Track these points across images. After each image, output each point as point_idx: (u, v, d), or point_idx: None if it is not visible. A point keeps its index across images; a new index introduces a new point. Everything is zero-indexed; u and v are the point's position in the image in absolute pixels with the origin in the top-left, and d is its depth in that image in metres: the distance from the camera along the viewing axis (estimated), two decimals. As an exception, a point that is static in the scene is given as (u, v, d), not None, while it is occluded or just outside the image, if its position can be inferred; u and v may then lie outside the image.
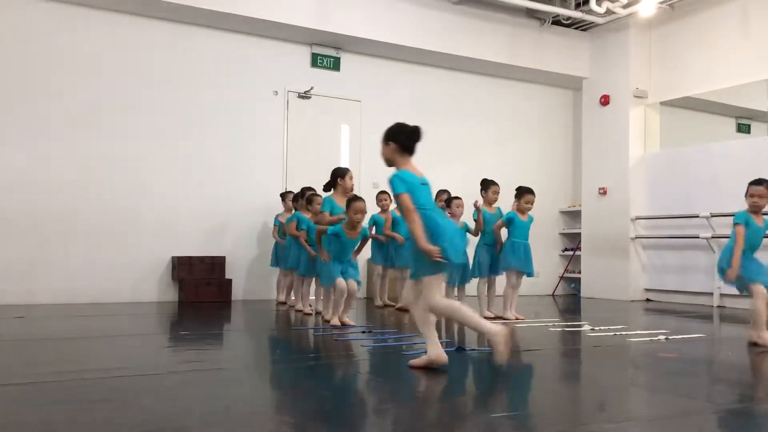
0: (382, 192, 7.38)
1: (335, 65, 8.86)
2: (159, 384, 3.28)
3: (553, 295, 10.28)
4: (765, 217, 4.88)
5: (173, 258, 7.74)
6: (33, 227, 7.16)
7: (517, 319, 6.34)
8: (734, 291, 4.97)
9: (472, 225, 6.83)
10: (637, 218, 9.40)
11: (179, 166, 7.90)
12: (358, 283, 5.72)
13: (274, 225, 7.80)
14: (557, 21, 9.70)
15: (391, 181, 3.70)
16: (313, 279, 6.61)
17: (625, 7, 8.98)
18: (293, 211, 7.18)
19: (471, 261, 6.83)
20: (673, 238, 8.94)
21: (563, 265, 10.47)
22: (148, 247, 7.68)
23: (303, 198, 6.87)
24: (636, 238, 9.39)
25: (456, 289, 6.92)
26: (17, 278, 7.04)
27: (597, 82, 10.02)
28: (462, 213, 6.84)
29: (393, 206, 7.14)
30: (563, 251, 10.53)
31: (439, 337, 3.84)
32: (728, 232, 4.88)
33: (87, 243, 7.38)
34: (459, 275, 6.81)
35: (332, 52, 8.83)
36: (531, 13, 9.61)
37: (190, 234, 7.90)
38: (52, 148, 7.31)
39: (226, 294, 7.74)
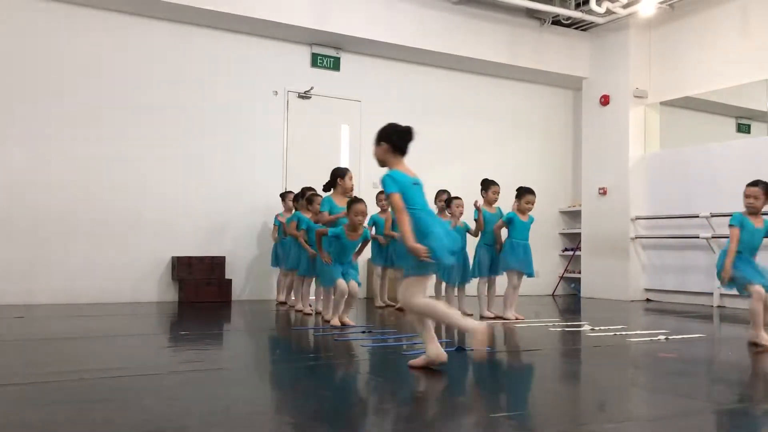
0: (382, 192, 7.36)
1: (335, 65, 8.86)
2: (159, 384, 3.28)
3: (553, 295, 10.28)
4: (765, 217, 4.88)
5: (173, 258, 7.74)
6: (33, 227, 7.16)
7: (516, 319, 6.34)
8: (734, 291, 4.97)
9: (472, 225, 6.84)
10: (637, 218, 9.40)
11: (179, 166, 7.90)
12: (359, 284, 5.72)
13: (274, 225, 7.81)
14: (557, 21, 9.70)
15: (383, 181, 3.72)
16: (313, 279, 6.61)
17: (625, 7, 8.98)
18: (293, 211, 7.18)
19: (471, 261, 6.85)
20: (673, 238, 8.94)
21: (563, 265, 10.47)
22: (148, 247, 7.68)
23: (303, 198, 6.87)
24: (636, 238, 9.39)
25: (456, 289, 6.93)
26: (17, 278, 7.04)
27: (597, 82, 10.02)
28: (462, 213, 6.84)
29: (393, 206, 7.13)
30: (563, 251, 10.53)
31: (439, 337, 3.84)
32: (728, 232, 4.88)
33: (87, 243, 7.38)
34: (459, 275, 6.83)
35: (332, 52, 8.83)
36: (531, 13, 9.61)
37: (190, 234, 7.90)
38: (52, 148, 7.31)
39: (226, 294, 7.74)
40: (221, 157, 8.13)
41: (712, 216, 8.21)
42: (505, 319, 6.33)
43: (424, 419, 2.83)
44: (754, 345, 4.68)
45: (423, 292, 3.75)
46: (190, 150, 7.96)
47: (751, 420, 2.89)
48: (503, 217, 6.59)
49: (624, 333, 5.43)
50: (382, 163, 3.86)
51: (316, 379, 3.53)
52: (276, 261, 7.70)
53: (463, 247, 6.85)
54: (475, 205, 6.69)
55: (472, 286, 6.93)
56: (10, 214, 7.07)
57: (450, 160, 9.42)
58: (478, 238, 6.79)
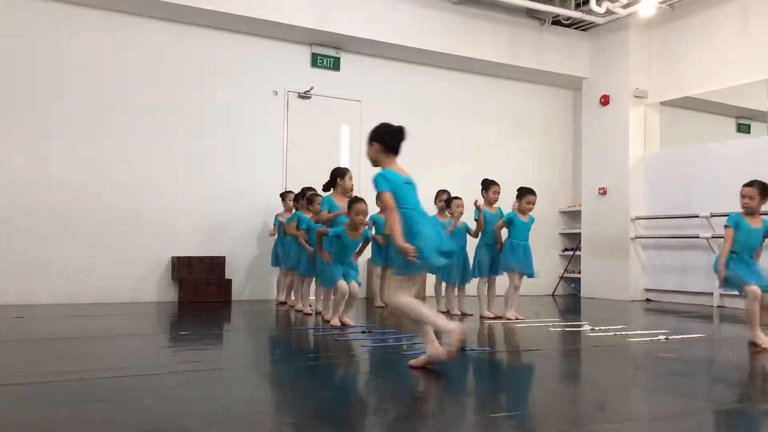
0: (382, 192, 7.37)
1: (335, 65, 8.86)
2: (159, 384, 3.28)
3: (553, 295, 10.28)
4: (765, 218, 4.88)
5: (173, 258, 7.74)
6: (33, 227, 7.16)
7: (516, 319, 6.34)
8: (734, 291, 4.97)
9: (472, 225, 6.84)
10: (637, 218, 9.40)
11: (179, 166, 7.90)
12: (359, 284, 5.72)
13: (274, 225, 7.81)
14: (557, 21, 9.70)
15: (375, 180, 3.74)
16: (313, 279, 6.61)
17: (625, 7, 8.98)
18: (293, 211, 7.18)
19: (471, 261, 6.85)
20: (673, 238, 8.94)
21: (563, 265, 10.47)
22: (148, 247, 7.68)
23: (303, 198, 6.87)
24: (636, 238, 9.39)
25: (456, 289, 6.93)
26: (17, 278, 7.04)
27: (597, 82, 10.02)
28: (462, 213, 6.84)
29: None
30: (563, 251, 10.53)
31: (439, 338, 3.84)
32: (727, 232, 4.89)
33: (87, 243, 7.38)
34: (459, 275, 6.83)
35: (332, 52, 8.83)
36: (531, 13, 9.61)
37: (190, 234, 7.90)
38: (52, 148, 7.31)
39: (226, 294, 7.74)
40: (221, 157, 8.13)
41: (712, 216, 8.21)
42: (507, 318, 6.33)
43: (424, 419, 2.82)
44: (753, 345, 4.68)
45: (409, 292, 3.75)
46: (190, 150, 7.96)
47: (751, 420, 2.89)
48: (504, 217, 6.58)
49: (624, 333, 5.43)
50: (375, 163, 3.89)
51: (316, 379, 3.53)
52: (276, 261, 7.70)
53: (463, 247, 6.87)
54: (476, 204, 6.69)
55: (472, 286, 6.93)
56: (10, 214, 7.07)
57: (450, 160, 9.42)
58: (478, 239, 6.79)
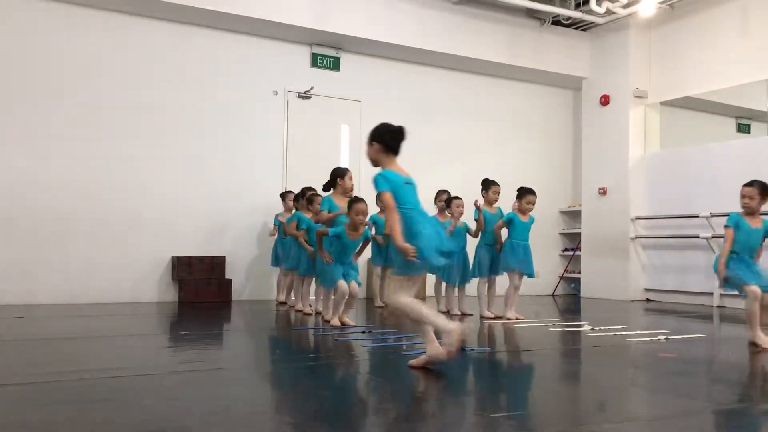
0: (382, 192, 7.37)
1: (335, 65, 8.86)
2: (159, 384, 3.28)
3: (553, 295, 10.28)
4: (765, 218, 4.88)
5: (173, 258, 7.74)
6: (33, 227, 7.16)
7: (517, 319, 6.34)
8: (734, 291, 4.97)
9: (472, 225, 6.83)
10: (637, 218, 9.40)
11: (179, 166, 7.90)
12: (359, 284, 5.72)
13: (274, 225, 7.81)
14: (557, 21, 9.70)
15: (375, 180, 3.74)
16: (313, 279, 6.61)
17: (625, 7, 8.98)
18: (293, 211, 7.18)
19: (471, 261, 6.85)
20: (673, 238, 8.94)
21: (563, 265, 10.47)
22: (148, 247, 7.68)
23: (303, 198, 6.87)
24: (636, 238, 9.39)
25: (456, 289, 6.93)
26: (17, 278, 7.04)
27: (597, 82, 10.02)
28: (462, 213, 6.84)
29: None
30: (563, 251, 10.53)
31: (439, 338, 3.84)
32: (727, 232, 4.89)
33: (87, 243, 7.38)
34: (459, 275, 6.83)
35: (332, 52, 8.83)
36: (531, 13, 9.61)
37: (190, 234, 7.90)
38: (52, 148, 7.31)
39: (226, 294, 7.74)
40: (221, 157, 8.13)
41: (712, 216, 8.21)
42: (507, 318, 6.33)
43: (424, 419, 2.82)
44: (754, 345, 4.68)
45: (409, 292, 3.75)
46: (190, 150, 7.96)
47: (751, 420, 2.89)
48: (504, 217, 6.58)
49: (624, 333, 5.43)
50: (375, 163, 3.90)
51: (316, 379, 3.53)
52: (276, 261, 7.70)
53: (463, 247, 6.87)
54: (476, 204, 6.69)
55: (472, 286, 6.93)
56: (10, 214, 7.07)
57: (450, 160, 9.42)
58: (478, 239, 6.78)
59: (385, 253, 7.42)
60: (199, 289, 7.61)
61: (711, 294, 8.36)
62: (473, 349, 4.45)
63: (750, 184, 4.83)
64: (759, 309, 4.65)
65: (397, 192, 3.69)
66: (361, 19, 8.48)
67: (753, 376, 4.02)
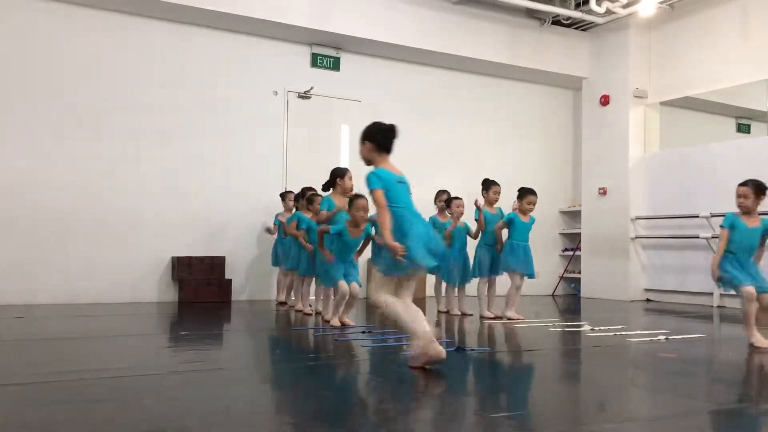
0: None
1: (335, 65, 8.86)
2: (159, 384, 3.28)
3: (553, 295, 10.28)
4: (764, 217, 4.87)
5: (173, 258, 7.74)
6: (33, 227, 7.16)
7: (516, 319, 6.33)
8: (734, 291, 4.97)
9: (472, 225, 6.83)
10: (637, 218, 9.40)
11: (179, 166, 7.89)
12: (359, 284, 5.72)
13: (274, 224, 7.81)
14: (557, 21, 9.70)
15: (368, 178, 3.76)
16: (313, 279, 6.61)
17: (625, 7, 8.98)
18: (293, 211, 7.18)
19: (471, 261, 6.85)
20: (673, 238, 8.94)
21: (563, 265, 10.47)
22: (148, 247, 7.68)
23: (303, 198, 6.87)
24: (636, 238, 9.39)
25: (456, 289, 6.92)
26: (17, 278, 7.04)
27: (597, 82, 10.02)
28: (462, 213, 6.84)
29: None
30: (563, 251, 10.53)
31: (439, 338, 3.85)
32: (726, 233, 4.89)
33: (87, 243, 7.38)
34: (459, 275, 6.82)
35: (332, 52, 8.83)
36: (531, 13, 9.61)
37: (190, 234, 7.89)
38: (52, 148, 7.31)
39: (226, 294, 7.74)
40: (221, 157, 8.12)
41: (712, 216, 8.20)
42: (509, 318, 6.33)
43: (424, 419, 2.83)
44: (753, 345, 4.68)
45: (391, 290, 3.76)
46: (190, 150, 7.96)
47: (751, 420, 2.89)
48: (504, 218, 6.58)
49: (624, 333, 5.43)
50: (368, 162, 3.91)
51: (316, 379, 3.53)
52: (276, 261, 7.70)
53: (463, 247, 6.87)
54: (476, 204, 6.68)
55: (473, 286, 6.93)
56: (10, 214, 7.07)
57: (450, 160, 9.42)
58: (478, 239, 6.78)
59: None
60: (199, 289, 7.61)
61: (711, 294, 8.35)
62: (473, 349, 4.45)
63: (744, 183, 4.84)
64: (755, 309, 4.64)
65: (389, 190, 3.71)
66: (361, 19, 8.48)
67: (753, 376, 4.02)
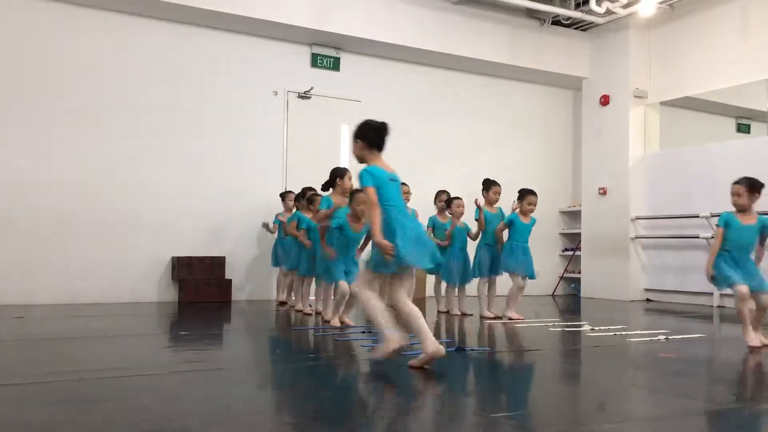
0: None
1: (335, 65, 8.86)
2: (159, 384, 3.28)
3: (553, 295, 10.28)
4: (760, 215, 4.87)
5: (173, 258, 7.74)
6: (33, 227, 7.16)
7: (516, 319, 6.33)
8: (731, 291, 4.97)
9: (472, 225, 6.82)
10: (637, 218, 9.40)
11: (179, 166, 7.89)
12: (359, 284, 5.72)
13: (274, 224, 7.81)
14: (557, 21, 9.70)
15: (360, 175, 3.77)
16: (313, 279, 6.61)
17: (625, 7, 8.98)
18: (293, 211, 7.19)
19: (472, 261, 6.85)
20: (673, 238, 8.94)
21: (563, 265, 10.47)
22: (148, 247, 7.67)
23: (304, 198, 6.87)
24: (636, 238, 9.39)
25: (456, 289, 6.92)
26: (17, 278, 7.04)
27: (597, 82, 10.02)
28: (462, 213, 6.84)
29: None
30: (563, 251, 10.53)
31: (439, 337, 3.85)
32: (727, 232, 4.89)
33: (87, 243, 7.38)
34: (459, 275, 6.82)
35: (332, 52, 8.83)
36: (531, 13, 9.61)
37: (190, 234, 7.89)
38: (52, 148, 7.31)
39: (226, 294, 7.74)
40: (221, 157, 8.12)
41: (712, 216, 8.19)
42: (505, 318, 6.33)
43: (424, 419, 2.83)
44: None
45: (373, 289, 3.80)
46: (190, 150, 7.96)
47: (750, 420, 2.89)
48: (505, 219, 6.57)
49: (624, 333, 5.43)
50: (361, 159, 3.92)
51: (316, 379, 3.53)
52: (276, 261, 7.70)
53: (464, 247, 6.86)
54: (476, 203, 6.68)
55: (473, 286, 6.93)
56: (10, 214, 7.07)
57: (450, 160, 9.42)
58: (479, 239, 6.78)
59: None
60: (199, 289, 7.61)
61: (711, 294, 8.35)
62: (473, 349, 4.45)
63: (738, 181, 4.84)
64: (748, 308, 4.64)
65: (381, 188, 3.72)
66: (361, 20, 8.48)
67: (753, 376, 4.02)
